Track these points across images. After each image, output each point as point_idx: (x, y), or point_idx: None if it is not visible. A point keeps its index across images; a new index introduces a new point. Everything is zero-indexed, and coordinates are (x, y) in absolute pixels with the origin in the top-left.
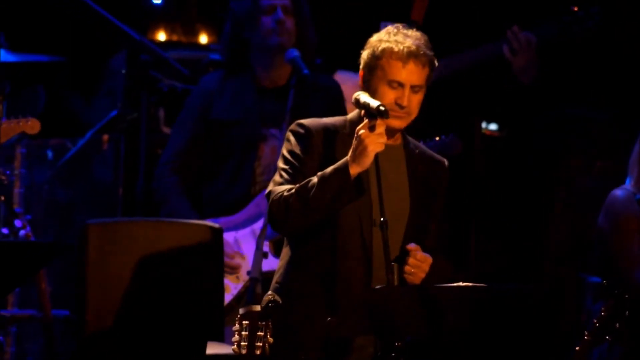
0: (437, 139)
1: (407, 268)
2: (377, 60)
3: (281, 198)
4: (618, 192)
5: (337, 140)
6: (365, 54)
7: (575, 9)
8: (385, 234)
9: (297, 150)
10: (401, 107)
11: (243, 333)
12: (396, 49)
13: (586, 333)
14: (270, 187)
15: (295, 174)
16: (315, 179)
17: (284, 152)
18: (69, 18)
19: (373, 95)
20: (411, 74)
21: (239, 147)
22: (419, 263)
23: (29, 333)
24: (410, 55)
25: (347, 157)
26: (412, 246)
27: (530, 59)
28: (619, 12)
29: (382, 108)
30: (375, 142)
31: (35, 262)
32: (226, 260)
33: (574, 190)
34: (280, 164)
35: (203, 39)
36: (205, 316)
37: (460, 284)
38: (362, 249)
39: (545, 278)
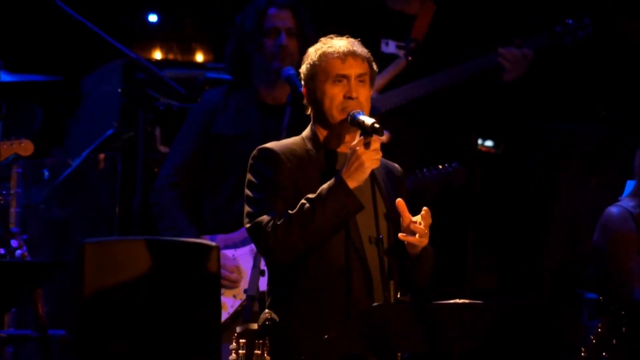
0: (441, 167)
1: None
2: (316, 66)
3: (276, 229)
4: (613, 209)
5: (303, 159)
6: (303, 68)
7: (568, 20)
8: (382, 250)
9: (269, 175)
10: (351, 98)
11: (240, 351)
12: (332, 50)
13: (583, 349)
14: (250, 220)
15: (274, 200)
16: (307, 203)
17: (253, 180)
18: (64, 37)
19: (321, 98)
20: (352, 66)
21: (240, 163)
22: (421, 227)
23: (25, 353)
24: (348, 54)
25: (341, 174)
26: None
27: (524, 71)
28: (611, 26)
29: (376, 125)
30: (371, 158)
31: (31, 282)
32: (226, 273)
33: (570, 206)
34: (252, 194)
35: (199, 57)
36: (202, 334)
37: (457, 300)
38: (360, 267)
39: (542, 294)
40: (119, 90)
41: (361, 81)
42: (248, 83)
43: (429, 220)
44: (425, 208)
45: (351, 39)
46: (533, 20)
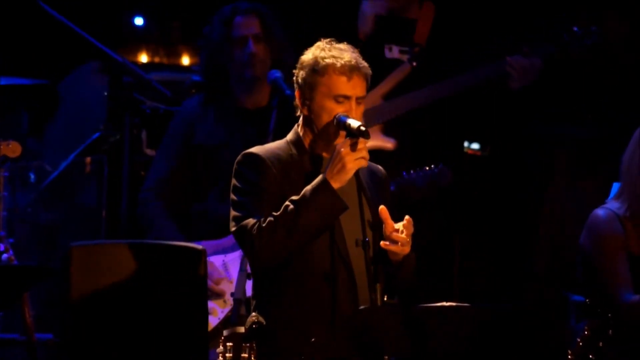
0: (427, 168)
1: (394, 246)
2: (319, 77)
3: (261, 231)
4: (600, 211)
5: (287, 163)
6: (302, 73)
7: (575, 28)
8: (367, 253)
9: (254, 180)
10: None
11: (227, 355)
12: (338, 65)
13: (569, 352)
14: (236, 224)
15: (259, 204)
16: (291, 205)
17: (238, 185)
18: (51, 40)
19: (318, 110)
20: (356, 86)
21: (224, 170)
22: (403, 236)
23: (12, 357)
24: (353, 69)
25: (324, 175)
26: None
27: (532, 80)
28: (611, 30)
29: (362, 128)
30: (354, 159)
31: (18, 286)
32: (212, 285)
33: (557, 209)
34: (237, 198)
35: (185, 60)
36: (189, 338)
37: (444, 303)
38: (344, 270)
39: (529, 297)
40: (105, 93)
41: (359, 103)
42: (226, 90)
43: (411, 230)
44: (407, 217)
45: (351, 48)
46: (535, 19)
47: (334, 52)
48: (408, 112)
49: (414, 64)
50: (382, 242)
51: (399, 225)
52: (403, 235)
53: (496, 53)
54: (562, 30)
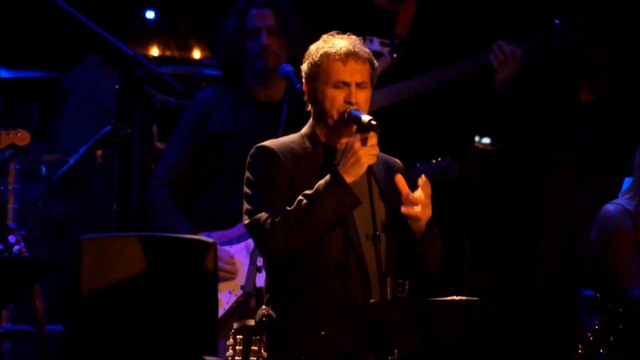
0: (434, 161)
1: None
2: (318, 66)
3: (274, 225)
4: (610, 206)
5: (301, 157)
6: (305, 66)
7: (558, 22)
8: (378, 247)
9: (267, 174)
10: (350, 103)
11: (237, 347)
12: (334, 51)
13: (580, 347)
14: (249, 217)
15: (271, 198)
16: (305, 199)
17: (252, 178)
18: (61, 33)
19: (321, 99)
20: (353, 72)
21: (234, 161)
22: (420, 195)
23: (23, 349)
24: (349, 55)
25: (338, 170)
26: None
27: (515, 71)
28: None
29: (373, 122)
30: (367, 154)
31: (29, 278)
32: (222, 265)
33: (565, 203)
34: (250, 191)
35: (196, 54)
36: (199, 330)
37: (454, 297)
38: (356, 264)
39: (538, 292)
40: (117, 86)
41: (363, 87)
42: (240, 82)
43: (428, 190)
44: (422, 177)
45: (353, 37)
46: (525, 23)
47: (333, 41)
48: (390, 105)
49: (395, 55)
50: (402, 208)
51: (417, 191)
52: (421, 196)
53: (478, 46)
54: (546, 25)
